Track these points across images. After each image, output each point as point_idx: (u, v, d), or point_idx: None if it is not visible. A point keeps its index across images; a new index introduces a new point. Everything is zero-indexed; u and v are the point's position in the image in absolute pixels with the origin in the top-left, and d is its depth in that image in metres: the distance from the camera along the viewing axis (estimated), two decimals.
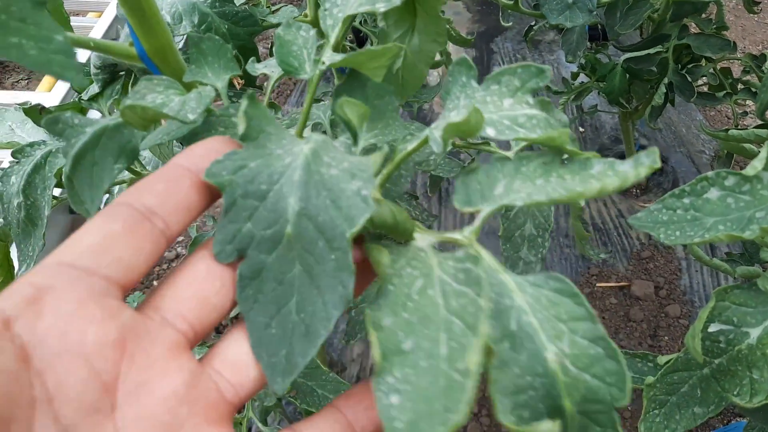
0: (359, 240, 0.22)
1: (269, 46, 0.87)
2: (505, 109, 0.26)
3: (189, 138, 0.30)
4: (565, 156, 0.24)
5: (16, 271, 0.50)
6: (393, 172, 0.27)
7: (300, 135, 0.29)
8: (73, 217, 0.90)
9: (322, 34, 0.33)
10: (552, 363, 0.18)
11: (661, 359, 0.39)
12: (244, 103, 0.21)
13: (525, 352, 0.18)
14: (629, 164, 0.22)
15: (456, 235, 0.22)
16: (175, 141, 0.32)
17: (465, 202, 0.23)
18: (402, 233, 0.21)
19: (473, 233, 0.22)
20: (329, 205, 0.19)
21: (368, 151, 0.36)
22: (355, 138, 0.24)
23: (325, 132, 0.46)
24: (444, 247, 0.23)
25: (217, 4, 0.48)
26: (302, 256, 0.20)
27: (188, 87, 0.30)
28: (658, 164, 0.22)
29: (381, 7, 0.30)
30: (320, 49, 0.32)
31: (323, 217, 0.19)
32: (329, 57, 0.29)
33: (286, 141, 0.22)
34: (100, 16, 1.20)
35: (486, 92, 0.27)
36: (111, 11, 1.18)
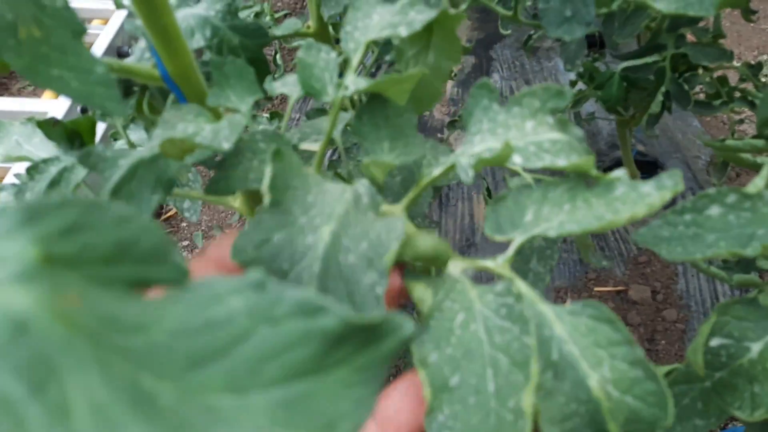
0: (399, 267, 0.22)
1: (272, 54, 0.87)
2: (528, 132, 0.27)
3: (215, 162, 0.30)
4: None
5: None
6: (417, 197, 0.27)
7: (319, 167, 0.29)
8: None
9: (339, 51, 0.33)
10: (595, 390, 0.18)
11: (660, 370, 0.40)
12: (269, 170, 0.21)
13: (568, 381, 0.19)
14: (652, 186, 0.22)
15: (489, 264, 0.22)
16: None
17: (496, 230, 0.23)
18: (440, 264, 0.21)
19: (506, 262, 0.22)
20: (344, 298, 0.20)
21: (391, 175, 0.36)
22: (380, 190, 0.24)
23: (337, 149, 0.46)
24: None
25: (228, 17, 0.48)
26: None
27: (213, 111, 0.31)
28: (682, 187, 0.22)
29: (403, 32, 0.30)
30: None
31: None
32: (353, 81, 0.29)
33: (311, 198, 0.22)
34: (105, 23, 1.17)
35: (508, 115, 0.28)
36: (117, 19, 1.14)
